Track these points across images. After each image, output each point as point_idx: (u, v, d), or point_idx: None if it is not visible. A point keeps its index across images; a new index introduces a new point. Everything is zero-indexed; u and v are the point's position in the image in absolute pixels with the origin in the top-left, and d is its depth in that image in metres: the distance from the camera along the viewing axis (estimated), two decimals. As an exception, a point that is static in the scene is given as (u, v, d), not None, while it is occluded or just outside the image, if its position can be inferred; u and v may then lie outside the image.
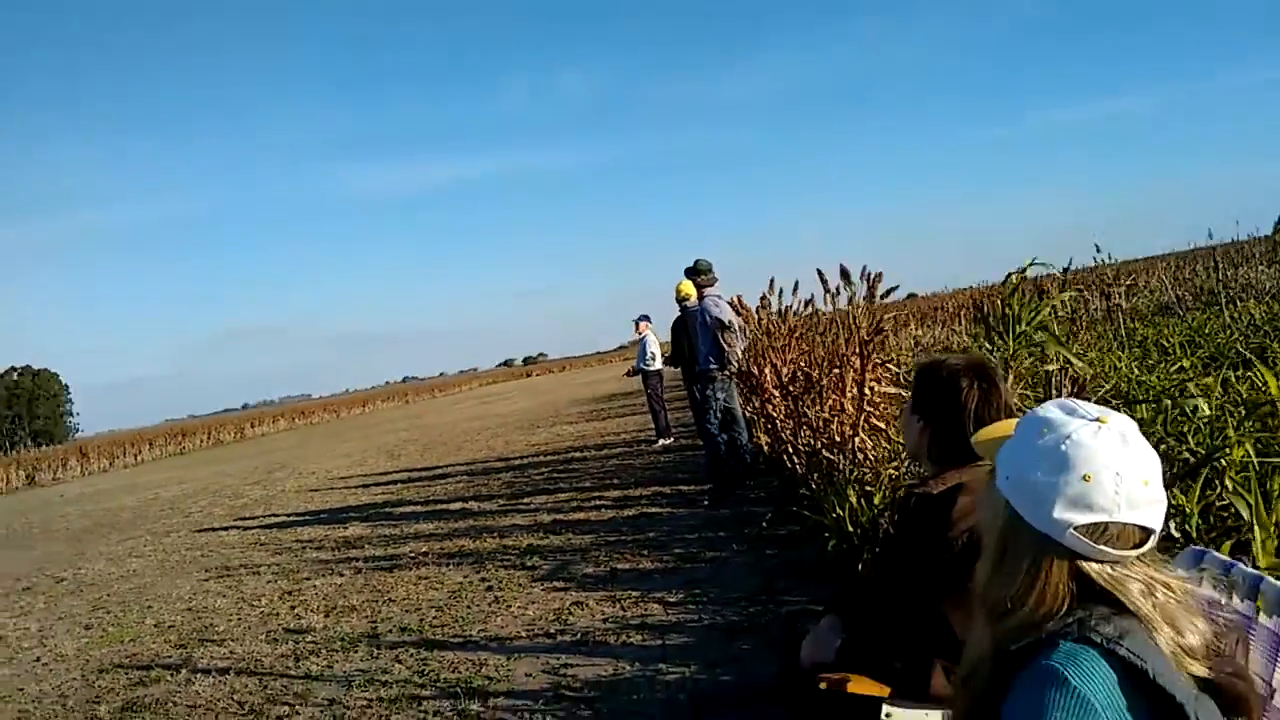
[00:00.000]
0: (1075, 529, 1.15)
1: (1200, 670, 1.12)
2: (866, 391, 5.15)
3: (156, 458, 33.14)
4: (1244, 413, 3.02)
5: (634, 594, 4.93)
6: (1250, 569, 1.33)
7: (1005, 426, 1.40)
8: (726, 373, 7.22)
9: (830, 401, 5.58)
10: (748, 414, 7.85)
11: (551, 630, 4.52)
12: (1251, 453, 2.57)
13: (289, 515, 10.52)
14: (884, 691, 1.77)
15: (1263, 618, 1.27)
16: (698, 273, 7.36)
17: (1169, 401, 3.18)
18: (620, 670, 3.82)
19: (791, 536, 5.57)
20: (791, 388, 5.81)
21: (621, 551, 5.95)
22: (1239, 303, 11.68)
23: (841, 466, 5.21)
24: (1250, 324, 8.28)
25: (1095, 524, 1.15)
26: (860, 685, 1.78)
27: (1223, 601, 1.25)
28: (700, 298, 7.43)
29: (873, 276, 5.30)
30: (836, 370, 5.45)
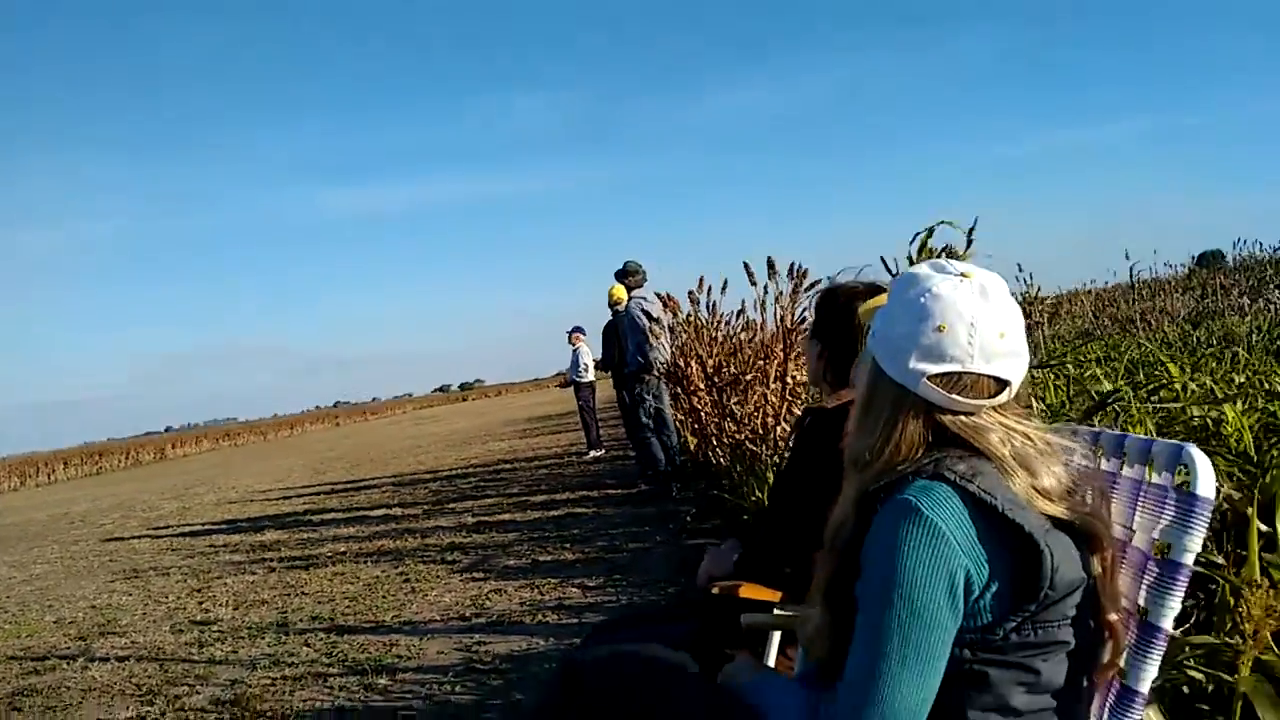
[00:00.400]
0: (929, 378, 1.17)
1: (1055, 510, 1.14)
2: (789, 381, 5.22)
3: (71, 477, 31.87)
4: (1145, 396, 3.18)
5: (554, 581, 4.87)
6: (1116, 432, 1.37)
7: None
8: (655, 374, 7.24)
9: (754, 395, 5.64)
10: (676, 414, 7.87)
11: (467, 614, 4.44)
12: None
13: (204, 525, 10.18)
14: (775, 596, 1.77)
15: (1125, 469, 1.30)
16: (626, 274, 7.39)
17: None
18: (534, 645, 3.76)
19: (715, 529, 5.57)
20: (717, 379, 5.85)
21: (544, 545, 5.89)
22: (1152, 324, 12.20)
23: (764, 456, 5.25)
24: (1163, 340, 8.65)
25: (949, 374, 1.16)
26: (752, 590, 1.78)
27: (1086, 459, 1.27)
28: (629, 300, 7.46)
29: (798, 271, 5.40)
30: (761, 362, 5.51)
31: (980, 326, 1.16)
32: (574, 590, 4.60)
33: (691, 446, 7.79)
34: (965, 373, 1.16)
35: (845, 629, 1.17)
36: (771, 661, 1.73)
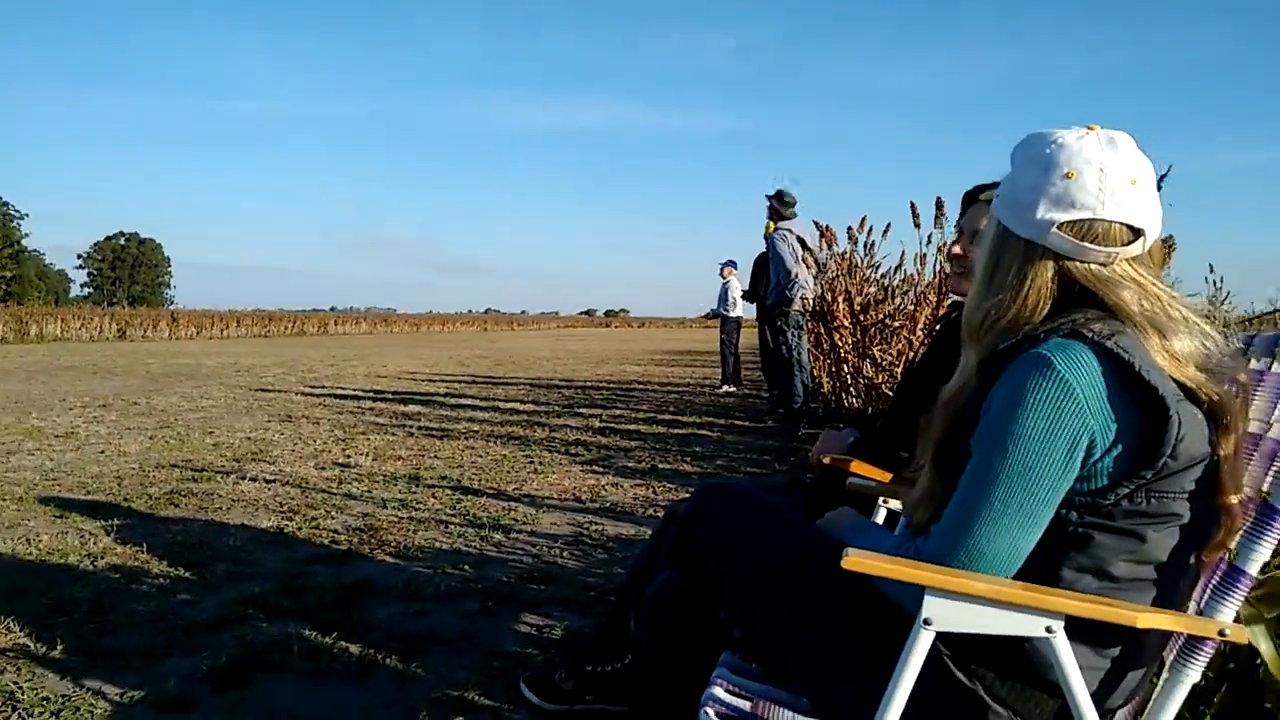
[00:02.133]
0: (1059, 227, 1.14)
1: (1187, 377, 1.10)
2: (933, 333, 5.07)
3: (241, 336, 34.42)
4: None
5: (669, 485, 4.99)
6: (1272, 333, 1.30)
7: None
8: (795, 310, 7.15)
9: (899, 341, 5.52)
10: (813, 353, 7.79)
11: (583, 498, 4.61)
12: None
13: (354, 390, 10.87)
14: (886, 477, 1.77)
15: (1276, 366, 1.24)
16: (784, 203, 7.28)
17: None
18: (642, 532, 3.88)
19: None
20: (863, 319, 5.75)
21: (664, 455, 6.01)
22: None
23: (898, 403, 5.15)
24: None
25: (1079, 220, 1.13)
26: (863, 468, 1.78)
27: (1226, 355, 1.21)
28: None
29: (966, 218, 5.20)
30: (912, 308, 5.38)
31: (1110, 172, 1.13)
32: (687, 495, 4.69)
33: (825, 388, 7.72)
34: (1096, 219, 1.13)
35: (951, 493, 1.16)
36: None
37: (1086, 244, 1.14)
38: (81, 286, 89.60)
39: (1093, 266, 1.15)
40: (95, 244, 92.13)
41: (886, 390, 5.22)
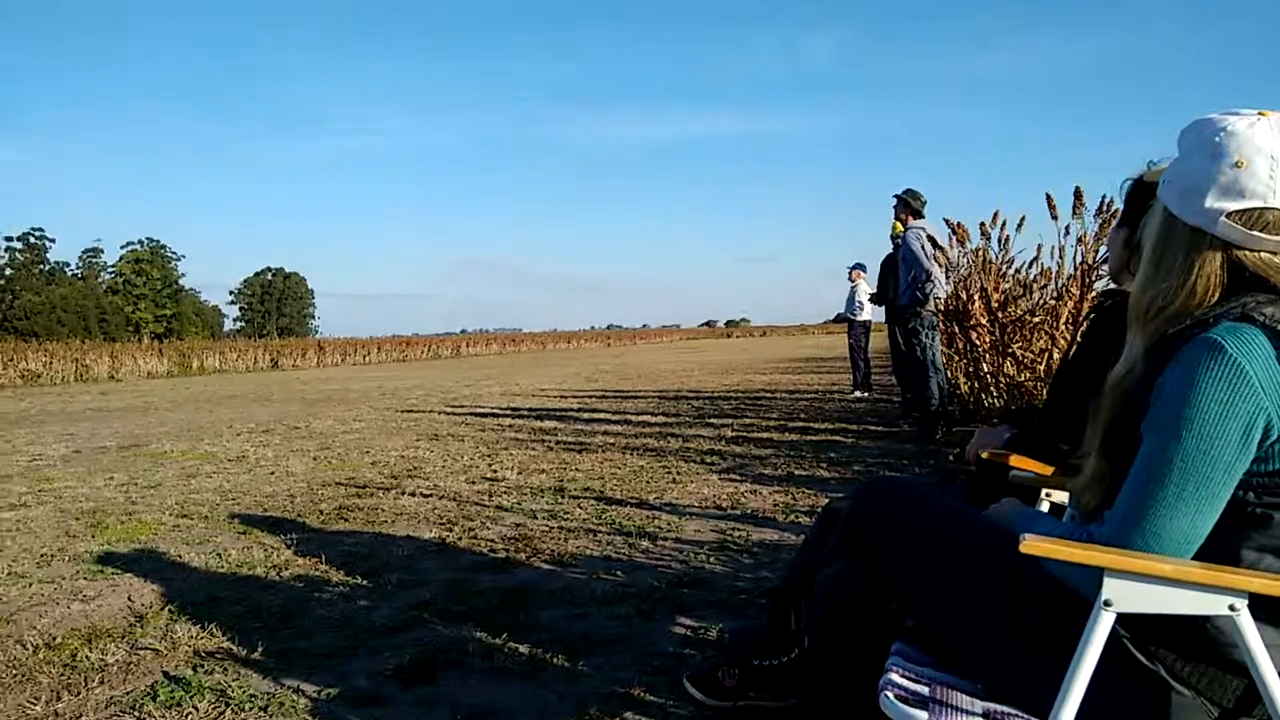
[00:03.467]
0: (1228, 216, 1.14)
1: None
2: (1084, 323, 4.91)
3: (381, 361, 36.11)
4: None
5: (808, 490, 5.00)
6: None
7: None
8: (928, 311, 7.02)
9: (1041, 338, 5.37)
10: (949, 353, 7.62)
11: (723, 505, 4.68)
12: None
13: (492, 408, 11.28)
14: (1047, 471, 1.77)
15: None
16: (915, 199, 7.17)
17: None
18: (785, 539, 3.92)
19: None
20: (1001, 316, 5.61)
21: (800, 462, 6.02)
22: None
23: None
24: None
25: (1249, 210, 1.13)
26: (1023, 462, 1.78)
27: None
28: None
29: (1109, 206, 5.03)
30: (1054, 302, 5.22)
31: None
32: (827, 500, 4.69)
33: (963, 389, 7.54)
34: (1267, 208, 1.13)
35: (1121, 477, 1.18)
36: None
37: (1257, 233, 1.14)
38: (234, 320, 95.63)
39: (1263, 255, 1.15)
40: (245, 280, 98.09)
41: (1030, 387, 5.08)
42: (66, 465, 7.02)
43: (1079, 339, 2.02)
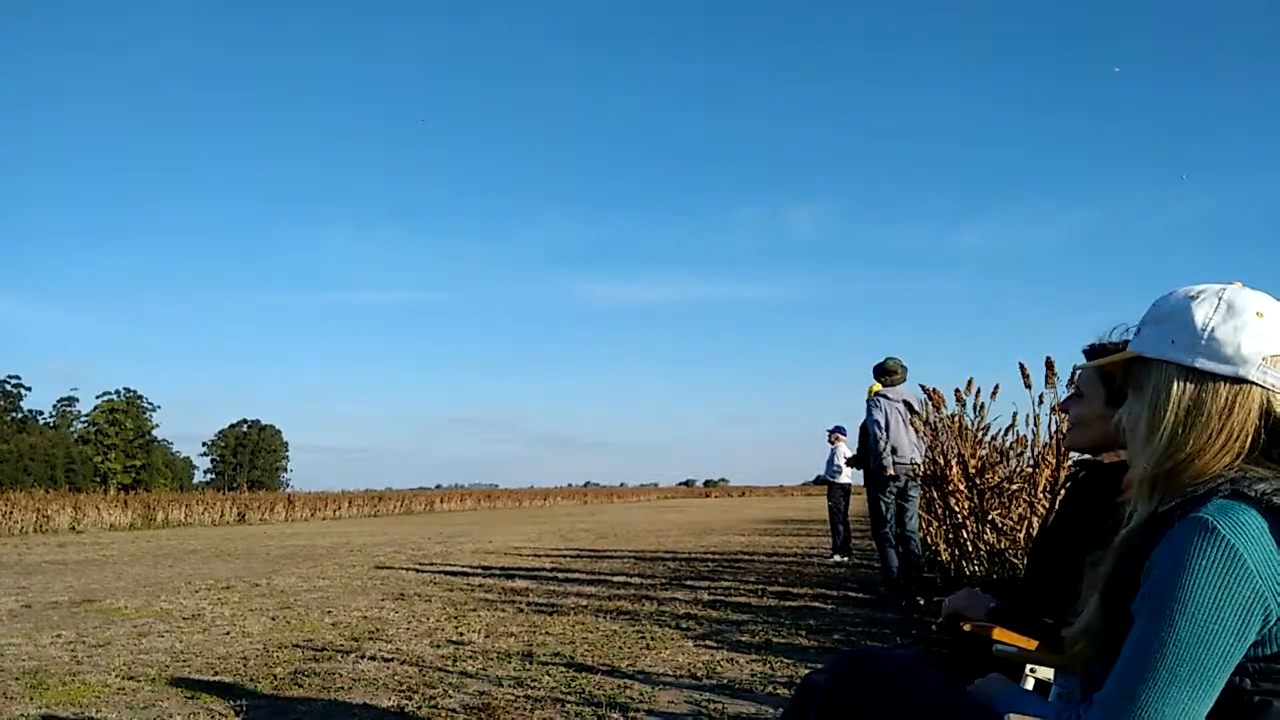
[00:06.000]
0: (1265, 359, 1.14)
1: None
2: (1061, 493, 4.90)
3: (353, 516, 35.34)
4: None
5: (787, 660, 4.82)
6: None
7: None
8: (902, 473, 7.00)
9: (1019, 505, 5.34)
10: (929, 519, 7.55)
11: (698, 675, 4.49)
12: None
13: (462, 566, 10.97)
14: (1031, 645, 1.70)
15: None
16: (885, 371, 7.28)
17: None
18: (763, 712, 3.74)
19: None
20: (979, 482, 5.60)
21: (778, 629, 5.83)
22: None
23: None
24: None
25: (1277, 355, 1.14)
26: (1006, 635, 1.72)
27: None
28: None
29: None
30: (1030, 470, 5.23)
31: None
32: (806, 671, 4.51)
33: (944, 556, 7.42)
34: None
35: (1117, 632, 1.13)
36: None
37: None
38: (205, 472, 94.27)
39: None
40: (220, 431, 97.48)
41: (1010, 556, 5.01)
42: (13, 620, 6.69)
43: (1056, 508, 2.00)
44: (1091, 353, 2.00)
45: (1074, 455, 5.00)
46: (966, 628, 1.77)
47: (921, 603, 6.83)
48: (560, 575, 9.61)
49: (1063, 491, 2.08)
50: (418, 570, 10.55)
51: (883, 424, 6.91)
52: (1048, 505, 5.10)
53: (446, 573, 10.20)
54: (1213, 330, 1.18)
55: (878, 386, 7.81)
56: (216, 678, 4.54)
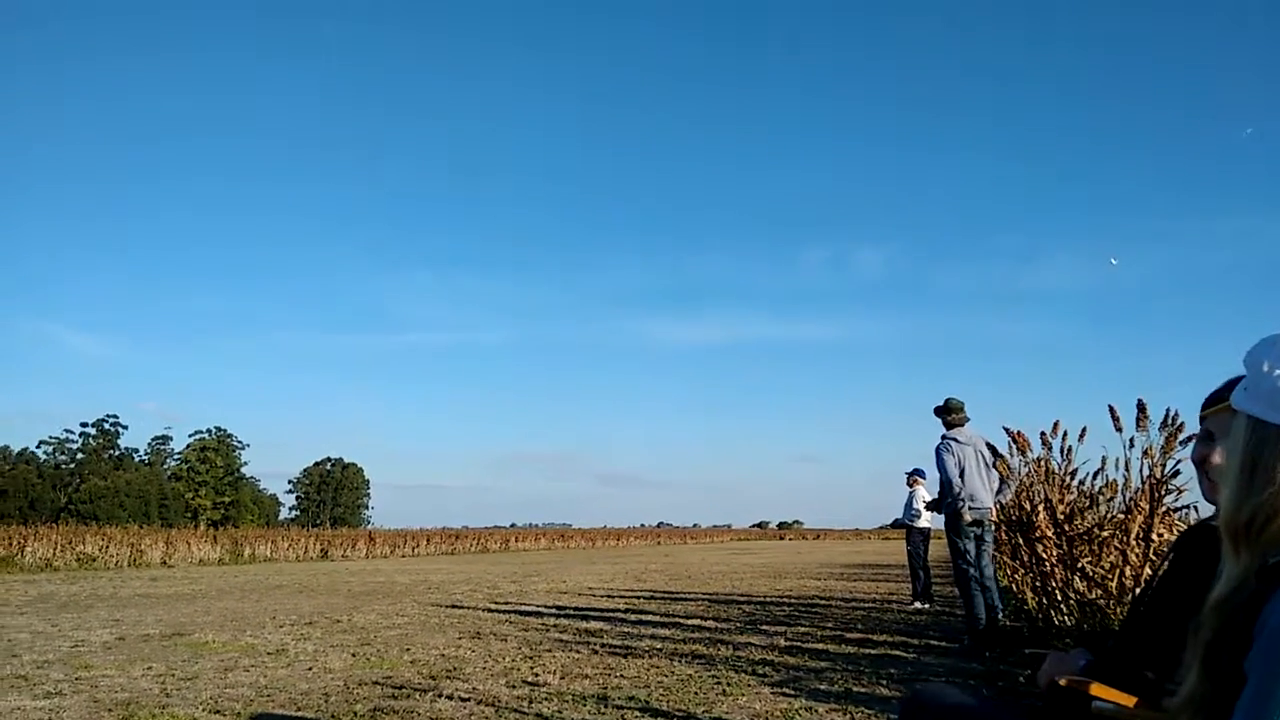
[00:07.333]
0: None
1: None
2: (1154, 539, 4.70)
3: (430, 553, 35.81)
4: None
5: (868, 711, 4.69)
6: None
7: None
8: (969, 521, 6.77)
9: (1111, 553, 5.14)
10: (1015, 566, 7.29)
11: (776, 723, 4.40)
12: None
13: (537, 606, 11.00)
14: (1130, 701, 1.63)
15: None
16: (948, 411, 7.11)
17: None
18: (844, 764, 3.64)
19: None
20: (1068, 529, 5.40)
21: (858, 678, 5.68)
22: None
23: (1118, 620, 4.72)
24: None
25: None
26: (1104, 691, 1.65)
27: None
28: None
29: (1173, 420, 4.93)
30: (1122, 516, 5.03)
31: None
32: (889, 722, 4.39)
33: (1030, 605, 7.16)
34: None
35: (1224, 697, 1.08)
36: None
37: None
38: (290, 509, 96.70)
39: None
40: (305, 469, 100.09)
41: (1103, 605, 4.81)
42: (107, 652, 6.94)
43: (1168, 561, 1.92)
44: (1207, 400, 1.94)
45: (1168, 500, 4.80)
46: (1062, 682, 1.70)
47: (988, 655, 6.59)
48: (634, 617, 9.56)
49: (1175, 545, 1.99)
50: (494, 610, 10.61)
51: (955, 468, 6.75)
52: (1140, 553, 4.90)
53: (521, 612, 10.24)
54: (1277, 377, 1.15)
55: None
56: (299, 713, 4.62)
